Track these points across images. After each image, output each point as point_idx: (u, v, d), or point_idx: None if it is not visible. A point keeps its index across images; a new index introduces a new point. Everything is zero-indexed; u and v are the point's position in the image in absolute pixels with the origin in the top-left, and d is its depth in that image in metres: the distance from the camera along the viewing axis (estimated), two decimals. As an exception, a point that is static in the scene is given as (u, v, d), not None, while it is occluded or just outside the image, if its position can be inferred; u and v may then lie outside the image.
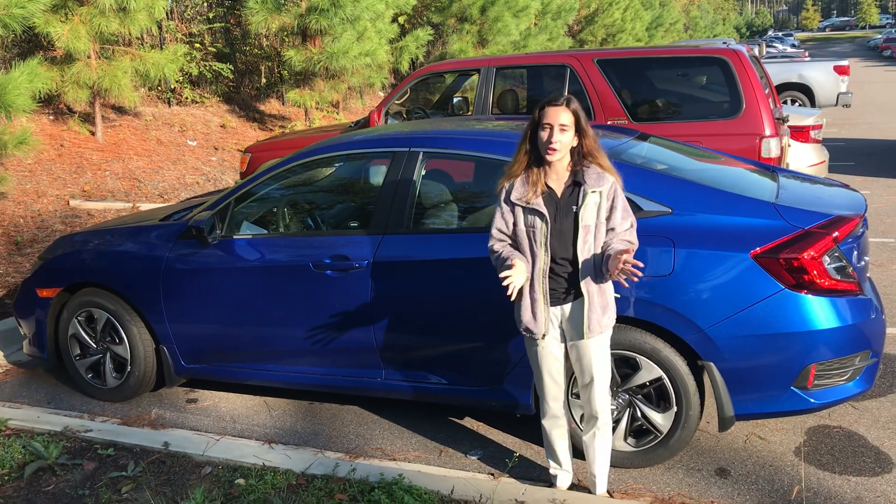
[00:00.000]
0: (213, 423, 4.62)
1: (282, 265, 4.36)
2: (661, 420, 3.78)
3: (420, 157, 4.23)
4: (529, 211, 3.27)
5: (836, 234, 3.64)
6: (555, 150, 3.18)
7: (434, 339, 4.10)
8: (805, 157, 8.67)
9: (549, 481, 3.71)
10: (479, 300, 3.95)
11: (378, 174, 5.11)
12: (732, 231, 3.68)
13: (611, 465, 3.89)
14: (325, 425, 4.53)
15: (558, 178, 3.29)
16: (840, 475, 3.80)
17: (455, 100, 8.46)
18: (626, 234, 3.27)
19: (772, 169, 4.80)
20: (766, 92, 6.55)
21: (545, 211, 3.24)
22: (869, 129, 17.33)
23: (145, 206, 8.95)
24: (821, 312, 3.59)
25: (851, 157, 13.10)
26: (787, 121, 7.25)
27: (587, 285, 3.26)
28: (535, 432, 4.29)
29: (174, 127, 12.07)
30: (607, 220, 3.26)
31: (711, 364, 3.65)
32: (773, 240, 3.61)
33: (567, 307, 3.34)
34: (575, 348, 3.38)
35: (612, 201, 3.26)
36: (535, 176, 3.26)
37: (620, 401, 3.84)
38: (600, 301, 3.29)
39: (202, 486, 3.60)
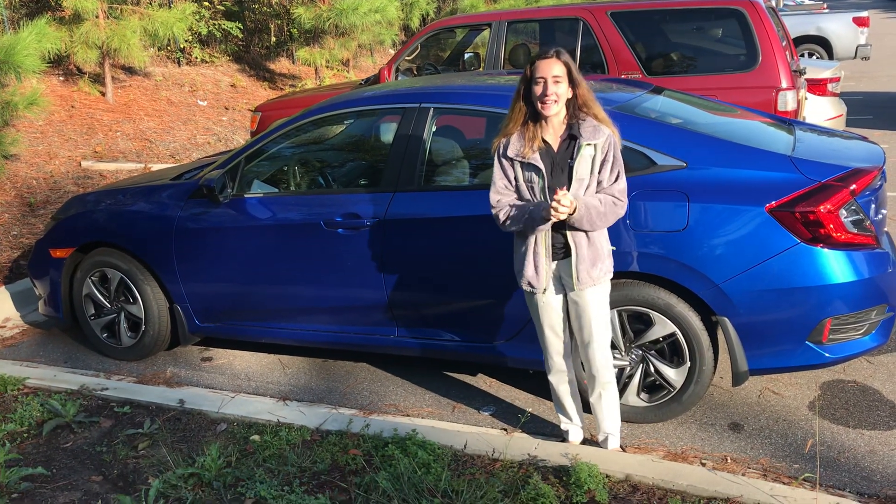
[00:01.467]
0: (227, 380, 4.65)
1: (293, 224, 4.35)
2: (674, 375, 3.77)
3: (430, 112, 4.18)
4: (526, 166, 3.26)
5: (853, 186, 3.58)
6: (551, 102, 3.15)
7: (446, 297, 4.10)
8: (822, 111, 8.52)
9: (562, 436, 3.72)
10: (490, 257, 3.93)
11: (389, 131, 5.07)
12: (747, 185, 3.63)
13: (624, 420, 3.90)
14: (339, 382, 4.56)
15: (554, 132, 3.26)
16: (854, 429, 3.79)
17: (466, 55, 8.34)
18: (612, 188, 3.22)
19: (788, 122, 4.72)
20: (784, 44, 6.42)
21: (542, 165, 3.22)
22: (888, 81, 17.00)
23: (157, 167, 8.94)
24: (837, 266, 3.55)
25: (870, 110, 12.88)
26: (805, 73, 7.12)
27: (575, 238, 3.25)
28: (548, 388, 4.29)
29: (184, 87, 12.02)
30: (599, 172, 3.23)
31: (725, 319, 3.63)
32: (789, 193, 3.56)
33: (565, 261, 3.33)
34: (573, 304, 3.37)
35: (606, 154, 3.22)
36: (532, 132, 3.24)
37: (633, 356, 3.84)
38: (589, 253, 3.27)
39: (217, 443, 3.64)
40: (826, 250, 3.54)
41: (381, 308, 4.25)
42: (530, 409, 4.13)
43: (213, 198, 4.43)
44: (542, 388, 4.29)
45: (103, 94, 10.58)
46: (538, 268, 3.33)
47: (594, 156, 3.21)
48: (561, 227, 3.27)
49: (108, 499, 3.31)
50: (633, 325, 3.80)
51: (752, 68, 6.27)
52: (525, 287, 3.42)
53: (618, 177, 3.24)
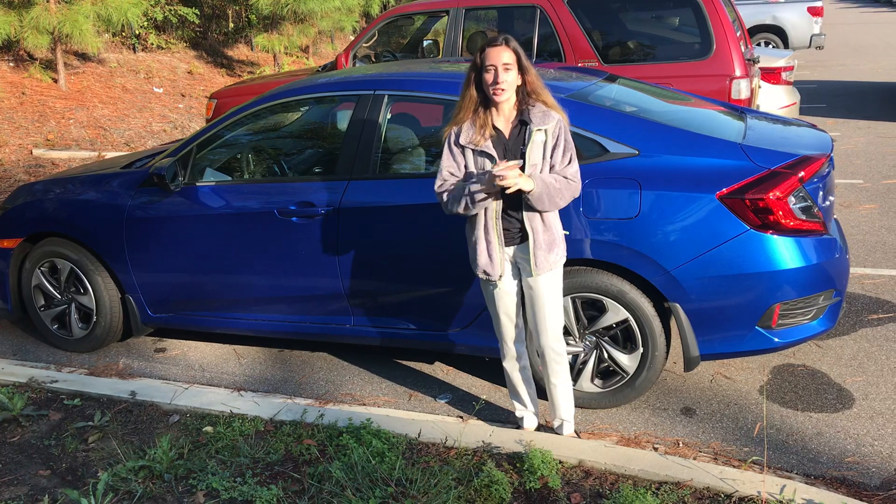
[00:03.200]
0: (181, 371, 4.60)
1: (246, 212, 4.30)
2: (627, 361, 3.81)
3: (385, 99, 4.15)
4: (479, 153, 3.25)
5: (801, 174, 3.63)
6: (501, 90, 3.15)
7: (401, 285, 4.08)
8: (776, 99, 8.64)
9: (517, 423, 3.74)
10: (446, 245, 3.92)
11: (344, 119, 5.03)
12: (698, 172, 3.66)
13: (578, 406, 3.94)
14: (295, 372, 4.53)
15: (505, 118, 3.26)
16: (802, 412, 3.86)
17: (425, 42, 8.30)
18: (564, 170, 3.23)
19: (740, 110, 4.77)
20: (738, 33, 6.49)
21: (494, 153, 3.22)
22: (842, 70, 17.30)
23: (111, 155, 8.79)
24: (785, 252, 3.60)
25: (823, 99, 13.10)
26: (758, 62, 7.20)
27: (531, 223, 3.25)
28: (503, 376, 4.30)
29: (140, 74, 11.82)
30: (551, 156, 3.24)
31: (677, 305, 3.67)
32: (739, 181, 3.60)
33: (519, 247, 3.34)
34: (528, 290, 3.38)
35: (557, 139, 3.23)
36: (483, 119, 3.24)
37: (587, 343, 3.86)
38: (546, 238, 3.28)
39: (169, 435, 3.59)
40: (775, 237, 3.59)
41: (336, 297, 4.22)
42: (485, 397, 4.14)
43: (164, 186, 4.36)
44: (499, 376, 4.31)
45: (55, 81, 10.36)
46: (492, 255, 3.33)
47: (545, 141, 3.21)
48: (516, 211, 3.27)
49: (56, 493, 3.26)
50: (586, 311, 3.83)
51: (706, 57, 6.33)
52: (481, 275, 3.42)
53: (570, 160, 3.25)
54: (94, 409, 3.96)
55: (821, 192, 3.84)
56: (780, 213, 3.58)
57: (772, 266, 3.59)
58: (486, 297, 3.51)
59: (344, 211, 4.08)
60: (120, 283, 4.66)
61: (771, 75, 8.74)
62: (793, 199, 3.63)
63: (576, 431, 3.66)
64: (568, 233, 3.52)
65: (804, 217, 3.66)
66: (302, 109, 4.74)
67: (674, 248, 3.62)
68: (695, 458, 3.47)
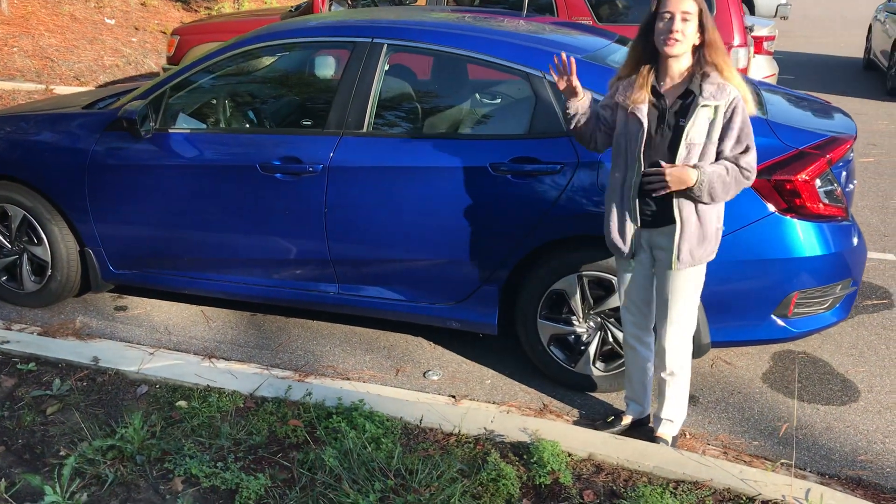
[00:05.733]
0: (145, 333, 4.24)
1: (224, 165, 3.92)
2: (634, 345, 3.59)
3: (384, 49, 3.79)
4: (630, 116, 2.89)
5: (829, 155, 3.42)
6: (675, 41, 2.74)
7: (395, 253, 3.78)
8: (759, 69, 8.47)
9: (603, 415, 3.51)
10: (445, 213, 3.63)
11: (325, 66, 4.66)
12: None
13: (579, 389, 3.73)
14: (271, 339, 4.21)
15: (672, 82, 2.86)
16: (809, 403, 3.71)
17: (404, -12, 7.89)
18: (738, 158, 2.82)
19: (750, 81, 4.54)
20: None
21: (644, 120, 2.84)
22: (805, 42, 17.30)
23: (60, 89, 8.19)
24: (808, 238, 3.41)
25: (791, 70, 13.02)
26: (753, 30, 6.99)
27: (683, 210, 2.87)
28: (495, 353, 4.08)
29: (90, 2, 11.07)
30: (720, 140, 2.83)
31: (692, 290, 3.44)
32: (767, 159, 3.37)
33: (659, 231, 2.97)
34: (662, 279, 3.05)
35: (731, 120, 2.81)
36: (644, 78, 2.85)
37: (592, 324, 3.63)
38: (698, 231, 2.90)
39: (139, 411, 3.26)
40: (799, 221, 3.39)
41: (321, 262, 3.90)
42: (487, 380, 3.89)
43: (133, 131, 3.94)
44: (490, 352, 4.08)
45: (-3, 5, 9.61)
46: (623, 231, 3.00)
47: (713, 119, 2.79)
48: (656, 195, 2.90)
49: (13, 475, 2.91)
50: (593, 291, 3.58)
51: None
52: (610, 248, 3.12)
53: (746, 149, 2.82)
54: (51, 375, 3.59)
55: (844, 176, 3.65)
56: (807, 196, 3.37)
57: (794, 252, 3.40)
58: (617, 272, 3.21)
59: (334, 169, 3.74)
60: (79, 234, 4.25)
61: (754, 44, 8.55)
62: (819, 182, 3.42)
63: (673, 438, 3.31)
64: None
65: (829, 202, 3.47)
66: (288, 54, 4.34)
67: (693, 229, 3.38)
68: (704, 452, 3.30)
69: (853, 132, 3.71)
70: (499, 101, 4.14)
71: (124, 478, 2.88)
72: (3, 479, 2.86)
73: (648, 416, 3.44)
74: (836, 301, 3.63)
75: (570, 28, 4.56)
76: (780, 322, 3.52)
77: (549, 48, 3.71)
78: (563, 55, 3.03)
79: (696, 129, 2.79)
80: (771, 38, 8.92)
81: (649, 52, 2.85)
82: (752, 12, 16.92)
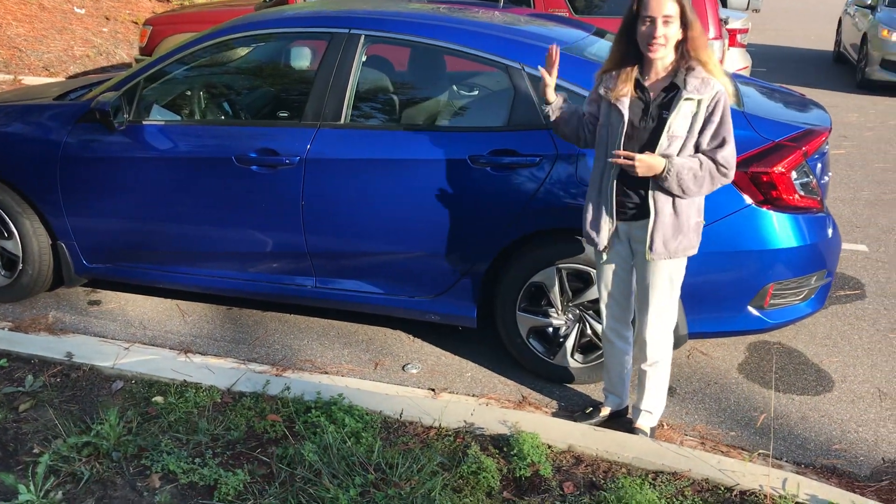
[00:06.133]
0: (120, 328, 4.18)
1: (199, 157, 3.87)
2: (612, 337, 3.60)
3: (361, 40, 3.76)
4: (613, 108, 2.88)
5: (805, 147, 3.45)
6: (659, 45, 2.74)
7: (373, 246, 3.75)
8: (733, 61, 8.53)
9: (581, 406, 3.51)
10: (423, 205, 3.61)
11: (301, 57, 4.61)
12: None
13: (558, 381, 3.74)
14: (248, 333, 4.17)
15: (655, 76, 2.85)
16: (784, 393, 3.75)
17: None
18: (715, 153, 2.80)
19: (727, 74, 4.56)
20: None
21: (626, 112, 2.84)
22: (777, 35, 17.46)
23: (29, 80, 8.05)
24: (784, 230, 3.44)
25: (763, 62, 13.13)
26: (728, 23, 7.03)
27: (658, 202, 2.87)
28: (474, 345, 4.07)
29: (58, -9, 10.88)
30: (699, 133, 2.82)
31: (671, 282, 3.46)
32: (743, 152, 3.38)
33: (637, 224, 2.97)
34: (640, 272, 3.06)
35: (712, 113, 2.80)
36: (627, 74, 2.85)
37: (570, 316, 3.64)
38: (673, 222, 2.89)
39: (115, 406, 3.22)
40: (775, 213, 3.42)
41: (298, 255, 3.87)
42: (468, 372, 3.89)
43: (107, 123, 3.88)
44: (470, 345, 4.08)
45: (-37, -7, 9.43)
46: (599, 224, 3.01)
47: (696, 112, 2.78)
48: (641, 185, 2.89)
49: (-14, 473, 2.86)
50: (571, 283, 3.59)
51: (680, 14, 6.08)
52: (585, 241, 3.12)
53: (723, 142, 2.80)
54: (24, 371, 3.53)
55: (819, 168, 3.68)
56: (784, 188, 3.40)
57: (770, 244, 3.43)
58: (596, 265, 3.21)
59: (311, 162, 3.71)
60: (51, 228, 4.18)
61: (728, 37, 8.61)
62: (795, 174, 3.45)
63: (652, 430, 3.32)
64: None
65: (804, 194, 3.50)
66: (264, 45, 4.29)
67: (671, 221, 3.39)
68: (681, 443, 3.32)
69: (828, 124, 3.74)
70: (477, 92, 4.13)
71: (100, 475, 2.84)
72: (-25, 478, 2.81)
73: (627, 407, 3.46)
74: (811, 292, 3.67)
75: (548, 20, 4.56)
76: (756, 313, 3.55)
77: (528, 40, 3.71)
78: (554, 47, 3.02)
79: (679, 121, 2.79)
80: (744, 31, 8.98)
81: (633, 51, 2.85)
82: (725, 5, 17.00)
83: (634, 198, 2.93)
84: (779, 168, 3.37)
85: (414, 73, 4.35)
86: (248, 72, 4.45)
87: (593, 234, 3.06)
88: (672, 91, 2.82)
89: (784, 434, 3.45)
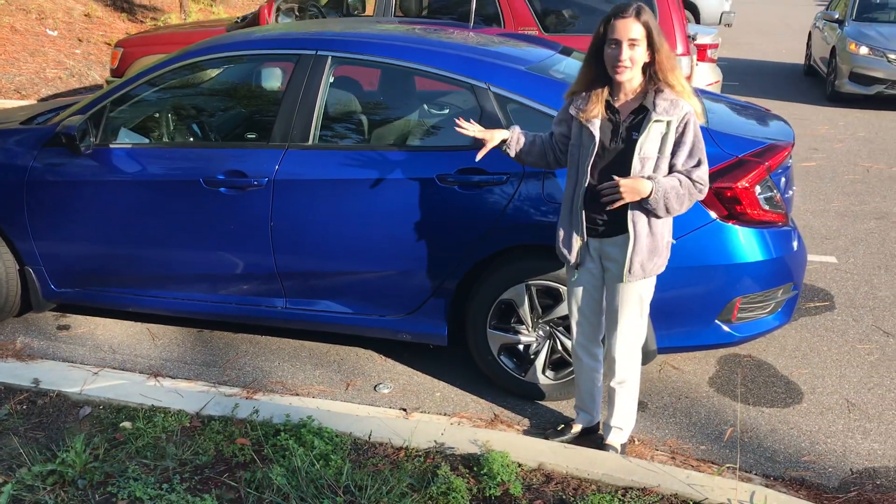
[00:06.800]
0: (89, 353, 4.14)
1: (167, 180, 3.86)
2: (582, 353, 3.61)
3: (329, 61, 3.77)
4: (584, 129, 2.91)
5: (768, 163, 3.49)
6: (624, 68, 2.77)
7: (342, 266, 3.75)
8: (702, 77, 8.61)
9: (553, 424, 3.51)
10: (392, 224, 3.62)
11: (272, 78, 4.62)
12: (666, 157, 3.47)
13: (529, 398, 3.75)
14: (219, 356, 4.15)
15: (625, 97, 2.89)
16: (754, 406, 3.77)
17: (350, -2, 7.86)
18: (691, 171, 2.84)
19: (694, 91, 4.61)
20: (680, 8, 6.35)
21: (597, 133, 2.87)
22: (749, 49, 17.65)
23: (0, 103, 7.99)
24: (749, 244, 3.47)
25: (735, 76, 13.26)
26: (696, 39, 7.11)
27: (637, 223, 2.89)
28: (446, 364, 4.07)
29: (31, 13, 10.83)
30: (672, 154, 2.85)
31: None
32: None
33: (610, 241, 2.99)
34: (612, 290, 3.07)
35: (683, 135, 2.83)
36: (597, 95, 2.88)
37: (541, 333, 3.65)
38: (649, 243, 2.92)
39: (81, 433, 3.18)
40: (740, 227, 3.45)
41: (268, 277, 3.86)
42: (428, 387, 3.88)
43: (73, 147, 3.86)
44: (440, 364, 4.07)
45: (-67, 17, 9.37)
46: (569, 241, 3.04)
47: (665, 133, 2.82)
48: (607, 204, 2.90)
49: (-52, 504, 2.82)
50: (542, 299, 3.60)
51: (648, 31, 6.15)
52: (558, 254, 3.14)
53: (699, 163, 2.85)
54: (-11, 399, 3.50)
55: (783, 182, 3.73)
56: (748, 203, 3.43)
57: (736, 258, 3.46)
58: (567, 281, 3.22)
59: (280, 182, 3.71)
60: (18, 253, 4.14)
61: (698, 52, 8.70)
62: (759, 188, 3.49)
63: (622, 446, 3.31)
64: (675, 241, 3.16)
65: (768, 208, 3.53)
66: (231, 67, 4.30)
67: (637, 237, 3.41)
68: (652, 458, 3.33)
69: (791, 139, 3.79)
70: (444, 112, 4.15)
71: (64, 503, 2.81)
72: (-63, 509, 2.77)
73: (598, 424, 3.47)
74: (778, 305, 3.70)
75: (515, 39, 4.60)
76: (724, 327, 3.58)
77: (492, 59, 3.73)
78: (460, 120, 3.13)
79: (650, 142, 2.82)
80: (714, 46, 9.08)
81: (602, 73, 2.88)
82: (698, 20, 17.20)
83: (604, 215, 2.95)
84: (742, 183, 3.41)
85: (381, 93, 4.37)
86: (216, 94, 4.45)
87: (565, 251, 3.09)
88: (641, 113, 2.86)
89: (753, 447, 3.47)
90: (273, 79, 4.63)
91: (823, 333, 4.49)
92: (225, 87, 4.49)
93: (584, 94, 2.95)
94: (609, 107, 2.91)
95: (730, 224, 3.44)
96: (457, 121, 3.17)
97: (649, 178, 2.83)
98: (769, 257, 3.51)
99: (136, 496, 2.83)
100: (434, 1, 7.52)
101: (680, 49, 6.04)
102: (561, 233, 3.09)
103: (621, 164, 2.87)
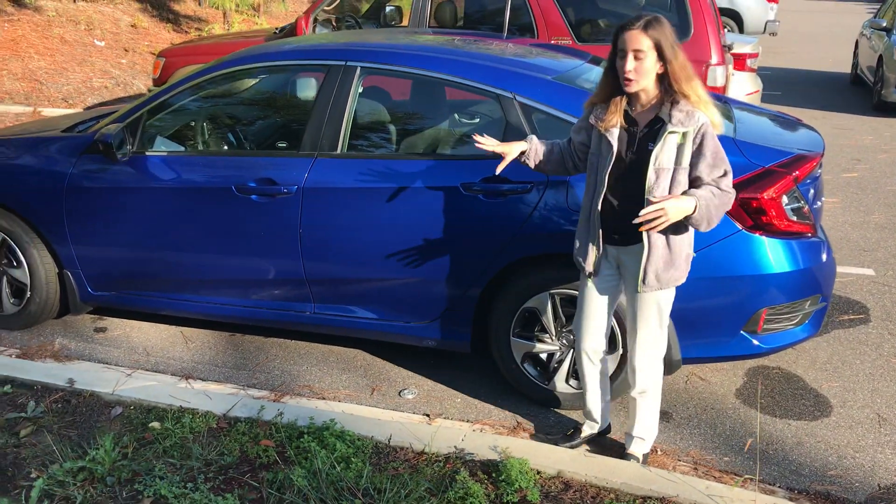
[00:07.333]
0: (124, 355, 4.26)
1: (200, 187, 3.96)
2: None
3: (357, 72, 3.84)
4: (603, 138, 2.95)
5: (796, 173, 3.46)
6: (629, 80, 2.80)
7: (369, 272, 3.81)
8: (741, 86, 8.53)
9: (562, 430, 3.54)
10: (417, 232, 3.67)
11: (306, 88, 4.71)
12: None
13: (553, 407, 3.75)
14: (249, 359, 4.23)
15: (642, 108, 2.91)
16: (781, 419, 3.73)
17: (387, 8, 7.94)
18: (720, 181, 2.84)
19: (724, 100, 4.59)
20: (715, 18, 6.32)
21: (615, 143, 2.90)
22: (793, 58, 17.41)
23: (48, 111, 8.24)
24: (776, 255, 3.44)
25: (778, 86, 13.11)
26: (732, 48, 7.06)
27: (651, 234, 2.88)
28: (471, 371, 4.10)
29: (80, 25, 11.15)
30: (692, 166, 2.85)
31: (662, 307, 3.47)
32: (733, 178, 3.40)
33: (625, 250, 3.01)
34: (630, 299, 3.10)
35: (701, 146, 2.83)
36: (616, 105, 2.91)
37: (564, 341, 3.66)
38: (665, 254, 2.92)
39: (112, 431, 3.28)
40: (766, 238, 3.43)
41: (297, 282, 3.93)
42: (452, 394, 3.91)
43: (109, 154, 3.98)
44: (466, 370, 4.10)
45: (-13, 28, 9.69)
46: (586, 250, 3.06)
47: (681, 144, 2.82)
48: (623, 213, 2.91)
49: (-17, 497, 2.93)
50: (565, 308, 3.61)
51: (682, 41, 6.12)
52: (575, 262, 3.16)
53: (724, 173, 2.84)
54: (26, 397, 3.61)
55: (812, 193, 3.69)
56: (774, 213, 3.41)
57: (761, 269, 3.43)
58: (580, 287, 3.23)
59: (308, 191, 3.78)
60: (58, 256, 4.28)
61: (736, 62, 8.61)
62: (786, 199, 3.46)
63: (644, 456, 3.32)
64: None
65: (796, 219, 3.50)
66: (264, 77, 4.39)
67: (662, 247, 3.41)
68: (674, 468, 3.32)
69: (821, 149, 3.75)
70: (471, 121, 4.19)
71: (93, 499, 2.90)
72: (-29, 502, 2.88)
73: (608, 427, 3.47)
74: (805, 317, 3.66)
75: (545, 49, 4.62)
76: (749, 338, 3.55)
77: (519, 69, 3.77)
78: (477, 136, 3.19)
79: (665, 153, 2.82)
80: (754, 56, 8.98)
81: (618, 84, 2.89)
82: (742, 29, 17.01)
83: (622, 224, 2.95)
84: (769, 194, 3.39)
85: (409, 103, 4.43)
86: (249, 103, 4.55)
87: (581, 260, 3.10)
88: (657, 124, 2.86)
89: (778, 459, 3.43)
90: (308, 89, 4.71)
91: (857, 346, 4.42)
92: (257, 96, 4.58)
93: (603, 103, 2.97)
94: (627, 117, 2.93)
95: (756, 235, 3.42)
96: (475, 136, 3.21)
97: (685, 194, 2.81)
98: (796, 268, 3.48)
99: (161, 494, 2.91)
100: (469, 12, 7.57)
101: (714, 59, 6.00)
102: (577, 242, 3.11)
103: (636, 174, 2.88)
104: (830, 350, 4.37)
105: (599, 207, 2.97)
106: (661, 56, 2.78)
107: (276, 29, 7.89)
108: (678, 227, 2.89)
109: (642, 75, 2.80)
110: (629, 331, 3.16)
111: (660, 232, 2.89)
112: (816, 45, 19.85)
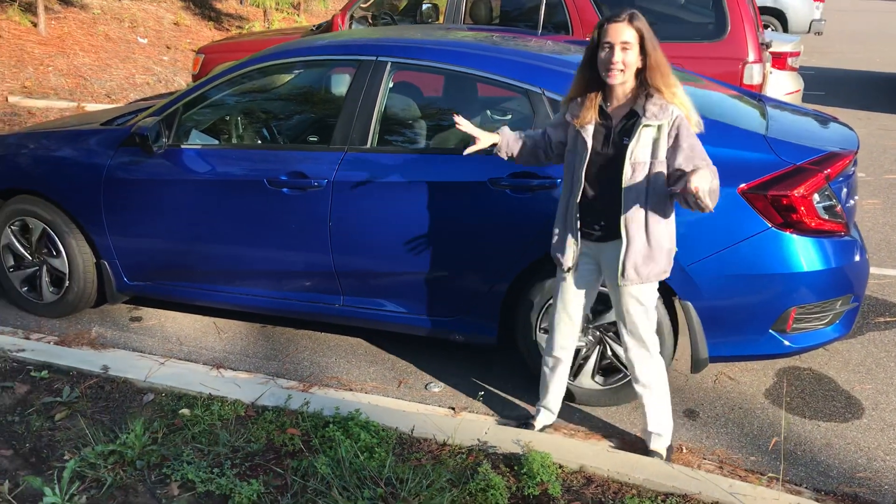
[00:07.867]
0: (157, 344, 4.35)
1: (233, 179, 4.03)
2: (632, 359, 3.60)
3: (388, 67, 3.87)
4: (578, 135, 2.99)
5: (828, 171, 3.42)
6: (618, 71, 2.82)
7: (397, 266, 3.84)
8: (781, 85, 8.40)
9: (516, 418, 3.53)
10: (445, 227, 3.69)
11: (341, 84, 4.75)
12: (720, 164, 3.39)
13: (578, 403, 3.75)
14: (279, 350, 4.30)
15: (617, 102, 2.94)
16: (810, 420, 3.69)
17: (424, 6, 7.98)
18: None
19: (758, 97, 4.55)
20: (753, 16, 6.24)
21: (590, 140, 2.93)
22: (839, 57, 17.11)
23: (91, 107, 8.42)
24: (806, 254, 3.40)
25: (822, 86, 12.90)
26: (770, 46, 6.97)
27: (629, 228, 2.92)
28: (499, 365, 4.12)
29: (124, 22, 11.37)
30: (670, 159, 2.87)
31: (689, 304, 3.46)
32: (763, 175, 3.38)
33: (605, 245, 3.05)
34: (613, 294, 3.14)
35: (677, 138, 2.85)
36: (591, 101, 2.95)
37: (591, 338, 3.66)
38: (644, 248, 2.95)
39: (143, 417, 3.36)
40: (797, 236, 3.39)
41: (326, 275, 3.98)
42: (478, 388, 3.93)
43: (146, 147, 4.07)
44: (492, 365, 4.12)
45: (35, 25, 9.92)
46: (563, 246, 3.10)
47: (657, 138, 2.86)
48: (600, 208, 2.97)
49: (17, 477, 3.02)
50: (593, 305, 3.60)
51: (719, 38, 6.08)
52: (553, 258, 3.20)
53: (704, 164, 2.81)
54: (62, 383, 3.71)
55: (844, 192, 3.64)
56: (804, 211, 3.37)
57: (791, 267, 3.40)
58: (556, 282, 3.27)
59: (338, 184, 3.82)
60: (95, 247, 4.38)
61: (777, 60, 8.49)
62: (817, 197, 3.42)
63: (668, 451, 3.31)
64: (677, 249, 3.15)
65: (827, 217, 3.46)
66: (297, 72, 4.45)
67: (689, 244, 3.39)
68: (699, 466, 3.30)
69: (855, 147, 3.70)
70: (502, 117, 4.20)
71: (123, 481, 2.97)
72: (7, 481, 2.96)
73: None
74: (836, 317, 3.61)
75: (578, 45, 4.61)
76: (778, 337, 3.51)
77: (548, 65, 3.77)
78: (458, 116, 3.25)
79: (641, 147, 2.86)
80: (795, 55, 8.84)
81: (595, 78, 2.92)
82: (786, 28, 16.76)
83: (600, 220, 2.99)
84: (799, 191, 3.35)
85: (439, 98, 4.45)
86: (282, 98, 4.61)
87: (559, 256, 3.14)
88: (632, 118, 2.90)
89: (806, 460, 3.40)
90: (340, 84, 4.76)
91: (891, 349, 4.34)
92: (290, 91, 4.64)
93: (578, 99, 3.00)
94: (602, 112, 2.96)
95: (786, 233, 3.38)
96: (454, 116, 3.27)
97: (694, 170, 2.72)
98: (827, 267, 3.44)
99: (188, 478, 2.97)
100: (505, 9, 7.57)
101: (752, 56, 5.93)
102: (555, 238, 3.14)
103: (613, 169, 2.91)
104: (864, 352, 4.31)
105: (578, 203, 3.00)
106: (643, 49, 2.82)
107: (314, 26, 7.97)
108: (658, 221, 2.93)
109: (628, 67, 2.83)
110: (618, 326, 3.20)
111: (639, 226, 2.92)
112: (864, 44, 19.47)
